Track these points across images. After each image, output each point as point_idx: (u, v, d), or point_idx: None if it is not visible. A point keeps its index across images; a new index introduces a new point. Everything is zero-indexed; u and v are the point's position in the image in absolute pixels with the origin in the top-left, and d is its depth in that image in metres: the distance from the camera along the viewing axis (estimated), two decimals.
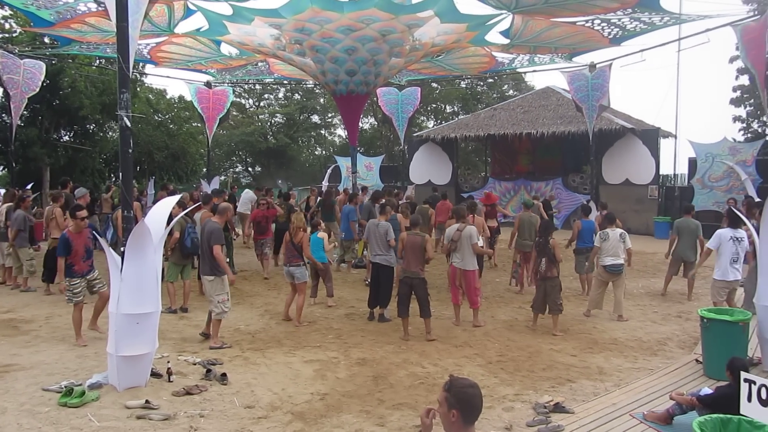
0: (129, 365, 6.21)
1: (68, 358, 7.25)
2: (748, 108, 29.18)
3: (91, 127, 26.88)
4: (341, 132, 44.63)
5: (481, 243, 9.52)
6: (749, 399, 3.86)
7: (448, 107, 42.39)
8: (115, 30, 6.34)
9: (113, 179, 27.03)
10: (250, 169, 45.73)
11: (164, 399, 6.01)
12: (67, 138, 26.62)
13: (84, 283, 8.02)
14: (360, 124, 27.88)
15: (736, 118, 29.96)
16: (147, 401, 5.78)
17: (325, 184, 23.93)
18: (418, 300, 8.57)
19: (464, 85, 40.12)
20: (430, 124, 40.53)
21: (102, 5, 10.33)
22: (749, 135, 28.87)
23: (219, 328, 8.03)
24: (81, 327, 7.99)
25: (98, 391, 6.07)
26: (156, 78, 30.11)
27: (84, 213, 8.16)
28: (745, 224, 8.16)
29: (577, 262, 11.32)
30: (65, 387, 5.98)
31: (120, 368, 6.17)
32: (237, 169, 46.18)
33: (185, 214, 9.27)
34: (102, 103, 24.23)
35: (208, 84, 19.83)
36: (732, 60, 27.16)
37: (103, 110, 24.50)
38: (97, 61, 23.08)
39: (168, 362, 6.81)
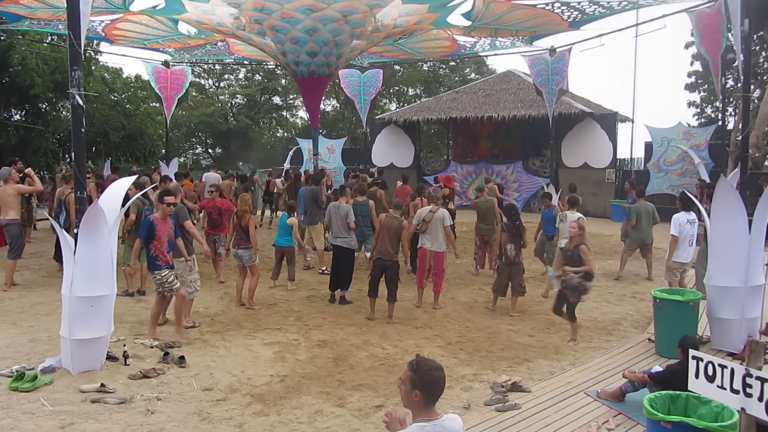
0: (83, 349, 6.10)
1: (20, 342, 7.08)
2: (702, 94, 29.90)
3: (44, 106, 26.04)
4: (303, 114, 44.19)
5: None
6: (696, 375, 3.97)
7: (410, 90, 42.30)
8: (66, 6, 6.13)
9: (67, 160, 26.29)
10: (210, 150, 45.00)
11: (120, 382, 5.93)
12: (18, 117, 25.77)
13: (171, 274, 7.34)
14: (322, 106, 27.69)
15: (690, 104, 30.67)
16: (102, 385, 5.70)
17: (286, 166, 23.69)
18: (387, 283, 8.61)
19: (426, 68, 40.07)
20: (393, 106, 40.42)
21: None
22: (703, 120, 29.59)
23: (191, 308, 8.13)
24: (158, 320, 7.69)
25: (51, 375, 5.96)
26: (111, 56, 29.27)
27: (172, 199, 7.39)
28: (695, 206, 8.39)
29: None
30: (16, 371, 5.85)
31: (74, 352, 6.05)
32: (197, 151, 45.35)
33: (142, 195, 9.09)
34: (54, 82, 23.46)
35: (165, 63, 19.36)
36: (687, 46, 27.73)
37: (56, 89, 23.71)
38: (49, 38, 22.29)
39: (124, 345, 6.70)
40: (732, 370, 3.76)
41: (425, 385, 2.89)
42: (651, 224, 11.28)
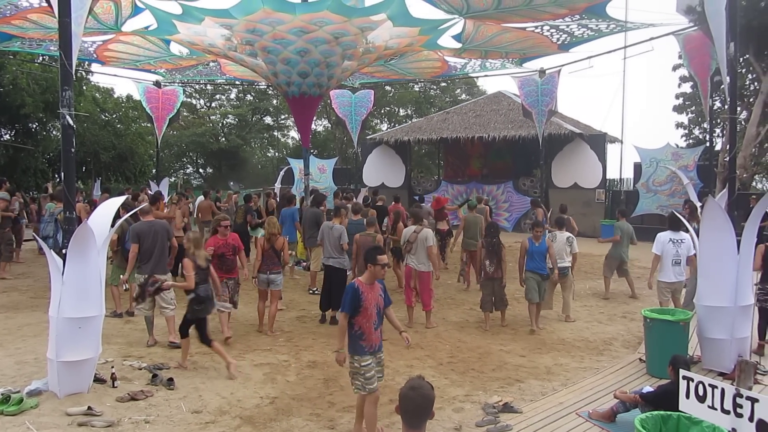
0: (70, 371, 6.02)
1: (5, 365, 6.99)
2: (689, 115, 30.16)
3: (34, 126, 26.04)
4: (294, 134, 44.31)
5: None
6: (687, 395, 3.98)
7: (401, 110, 42.56)
8: (58, 26, 6.15)
9: (57, 179, 26.21)
10: (201, 170, 44.97)
11: (108, 405, 5.85)
12: (7, 137, 25.74)
13: (375, 363, 5.30)
14: (313, 126, 27.75)
15: (678, 125, 30.91)
16: (89, 408, 5.62)
17: (277, 186, 23.70)
18: None
19: (417, 89, 40.36)
20: (384, 126, 40.62)
21: (45, 0, 10.00)
22: (691, 141, 29.84)
23: (174, 324, 7.99)
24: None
25: (37, 398, 5.88)
26: (103, 76, 29.30)
27: (384, 258, 5.36)
28: (684, 226, 8.45)
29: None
30: (2, 394, 5.76)
31: (61, 374, 5.98)
32: (188, 171, 45.33)
33: (128, 217, 9.05)
34: (45, 101, 23.50)
35: (157, 83, 19.40)
36: (675, 68, 28.00)
37: (47, 108, 23.74)
38: (40, 58, 22.35)
39: (112, 367, 6.63)
40: (723, 390, 3.77)
41: (400, 402, 2.97)
42: (628, 244, 11.48)
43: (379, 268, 5.25)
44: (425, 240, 9.20)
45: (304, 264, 13.55)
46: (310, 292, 11.52)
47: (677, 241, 8.74)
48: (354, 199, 15.83)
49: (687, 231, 8.52)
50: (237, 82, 25.64)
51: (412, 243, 9.20)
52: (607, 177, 22.69)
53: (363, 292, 5.19)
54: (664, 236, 8.81)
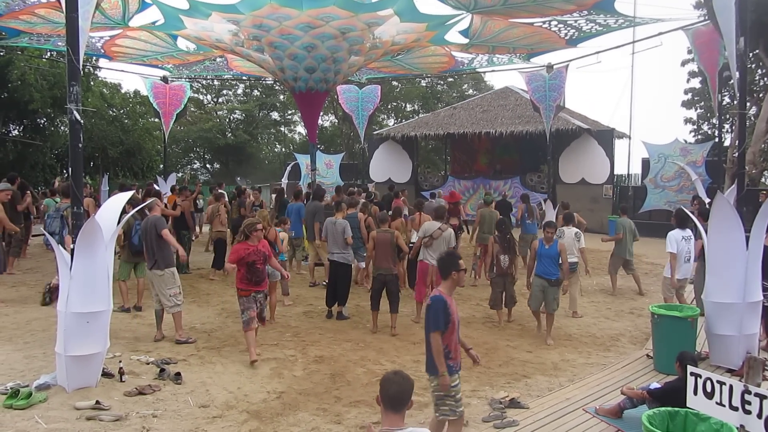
0: (79, 365, 6.05)
1: (15, 359, 7.03)
2: (698, 110, 30.05)
3: (42, 122, 26.18)
4: (301, 129, 44.39)
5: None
6: (695, 392, 3.96)
7: (408, 105, 42.54)
8: (65, 21, 6.17)
9: (65, 175, 26.32)
10: (208, 165, 45.09)
11: (116, 399, 5.88)
12: (16, 132, 25.88)
13: (459, 382, 4.71)
14: (320, 122, 27.77)
15: (687, 120, 30.80)
16: (97, 402, 5.65)
17: (284, 181, 23.73)
18: (389, 296, 8.77)
19: (424, 84, 40.30)
20: (391, 122, 40.62)
21: None
22: (699, 137, 29.73)
23: (181, 321, 8.07)
24: None
25: (46, 392, 5.91)
26: (110, 72, 29.43)
27: (463, 263, 4.92)
28: (691, 223, 8.40)
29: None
30: (11, 388, 5.80)
31: (69, 368, 6.01)
32: (195, 166, 45.47)
33: (134, 212, 9.08)
34: (53, 97, 23.61)
35: (164, 79, 19.43)
36: (684, 63, 27.89)
37: (55, 104, 23.85)
38: (48, 54, 22.43)
39: (120, 362, 6.66)
40: (731, 387, 3.76)
41: (382, 386, 3.13)
42: (632, 241, 11.45)
43: (463, 273, 4.78)
44: (450, 240, 9.10)
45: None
46: (323, 285, 11.49)
47: (687, 238, 8.71)
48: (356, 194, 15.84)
49: (694, 227, 8.47)
50: (244, 78, 25.61)
51: (436, 239, 9.09)
52: (615, 173, 22.59)
53: (450, 306, 4.59)
54: (676, 235, 8.72)
